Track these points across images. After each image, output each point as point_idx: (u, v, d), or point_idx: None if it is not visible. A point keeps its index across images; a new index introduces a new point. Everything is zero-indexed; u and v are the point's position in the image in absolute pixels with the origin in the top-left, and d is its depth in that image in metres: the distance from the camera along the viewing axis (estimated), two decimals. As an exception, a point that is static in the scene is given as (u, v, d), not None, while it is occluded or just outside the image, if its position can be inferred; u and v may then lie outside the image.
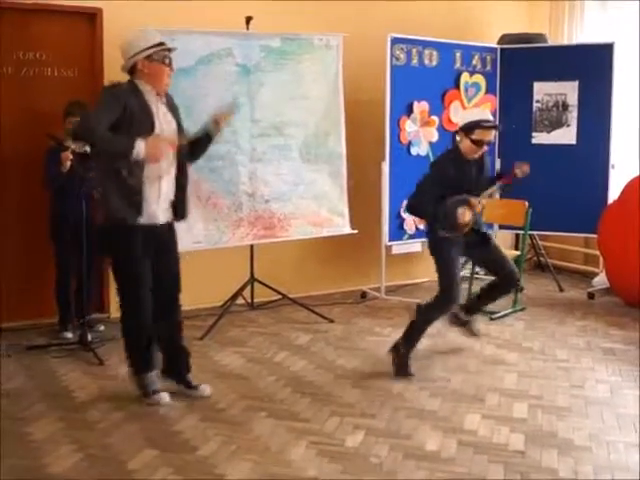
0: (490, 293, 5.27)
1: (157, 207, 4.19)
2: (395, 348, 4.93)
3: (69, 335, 5.57)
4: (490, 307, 5.61)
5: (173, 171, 4.25)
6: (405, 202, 5.13)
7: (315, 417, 4.15)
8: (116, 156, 4.03)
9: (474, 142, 4.80)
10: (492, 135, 4.94)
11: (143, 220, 4.13)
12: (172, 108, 4.31)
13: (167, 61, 4.19)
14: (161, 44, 4.18)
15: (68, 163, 5.17)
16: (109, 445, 3.79)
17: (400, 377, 4.78)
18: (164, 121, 4.18)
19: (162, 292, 4.34)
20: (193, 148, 4.38)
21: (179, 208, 4.33)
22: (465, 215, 4.72)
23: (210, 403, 4.34)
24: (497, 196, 4.89)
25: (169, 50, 4.23)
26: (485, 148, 4.89)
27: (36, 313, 5.83)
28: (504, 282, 5.18)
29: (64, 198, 5.37)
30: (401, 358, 4.88)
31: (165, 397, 4.31)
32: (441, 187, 4.79)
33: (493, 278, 5.24)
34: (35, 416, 4.14)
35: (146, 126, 4.06)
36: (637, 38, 7.06)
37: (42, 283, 5.77)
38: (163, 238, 4.29)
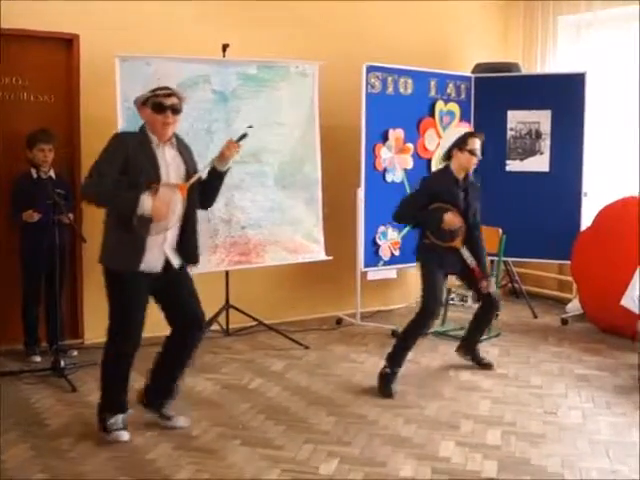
0: (477, 324, 5.39)
1: (160, 254, 4.00)
2: (381, 370, 5.01)
3: (37, 359, 5.55)
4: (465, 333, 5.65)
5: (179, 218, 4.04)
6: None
7: (289, 444, 4.13)
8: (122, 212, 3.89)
9: (470, 152, 5.03)
10: (479, 143, 5.15)
11: (144, 267, 3.95)
12: (182, 150, 4.10)
13: (158, 109, 3.92)
14: (160, 89, 3.95)
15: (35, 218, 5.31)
16: (81, 474, 3.75)
17: (383, 396, 4.87)
18: (172, 167, 4.01)
19: (180, 333, 4.21)
20: (203, 191, 4.16)
21: (191, 253, 4.15)
22: (453, 220, 4.92)
23: (183, 431, 4.30)
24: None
25: (168, 96, 3.95)
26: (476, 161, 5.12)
27: (7, 338, 5.73)
28: (484, 307, 5.34)
29: (38, 225, 5.33)
30: (383, 376, 4.96)
31: (124, 435, 4.12)
32: (427, 199, 5.00)
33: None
34: (7, 444, 4.08)
35: (151, 176, 3.88)
36: (610, 67, 7.19)
37: (13, 307, 5.65)
38: (172, 281, 4.09)
